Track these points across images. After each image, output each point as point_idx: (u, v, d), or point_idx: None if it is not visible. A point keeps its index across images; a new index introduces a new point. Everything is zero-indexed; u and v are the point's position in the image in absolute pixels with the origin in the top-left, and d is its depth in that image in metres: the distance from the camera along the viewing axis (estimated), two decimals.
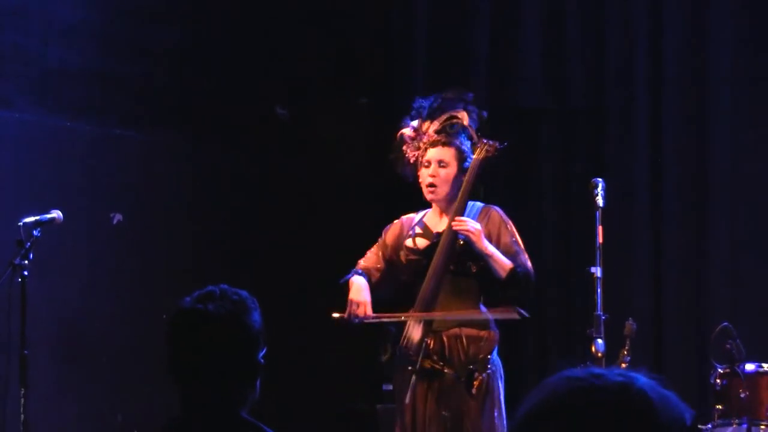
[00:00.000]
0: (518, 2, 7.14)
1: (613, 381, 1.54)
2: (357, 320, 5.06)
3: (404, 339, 5.06)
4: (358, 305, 5.06)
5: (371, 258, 5.29)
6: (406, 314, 5.09)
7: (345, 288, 5.18)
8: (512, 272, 5.01)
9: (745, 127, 6.70)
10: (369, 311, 5.06)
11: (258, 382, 2.66)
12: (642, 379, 1.55)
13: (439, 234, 5.15)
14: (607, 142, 6.95)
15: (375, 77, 7.46)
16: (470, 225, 5.02)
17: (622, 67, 6.93)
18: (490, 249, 5.02)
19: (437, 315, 5.05)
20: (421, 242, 5.19)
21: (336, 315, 5.08)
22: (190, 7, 6.99)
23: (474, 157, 5.14)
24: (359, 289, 5.11)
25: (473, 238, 5.00)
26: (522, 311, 4.93)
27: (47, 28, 6.49)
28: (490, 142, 5.15)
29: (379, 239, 5.34)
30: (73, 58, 6.56)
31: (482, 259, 5.03)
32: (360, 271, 5.22)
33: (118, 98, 6.75)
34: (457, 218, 5.05)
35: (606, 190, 5.17)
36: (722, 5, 6.72)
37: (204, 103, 7.05)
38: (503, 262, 5.02)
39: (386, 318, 5.09)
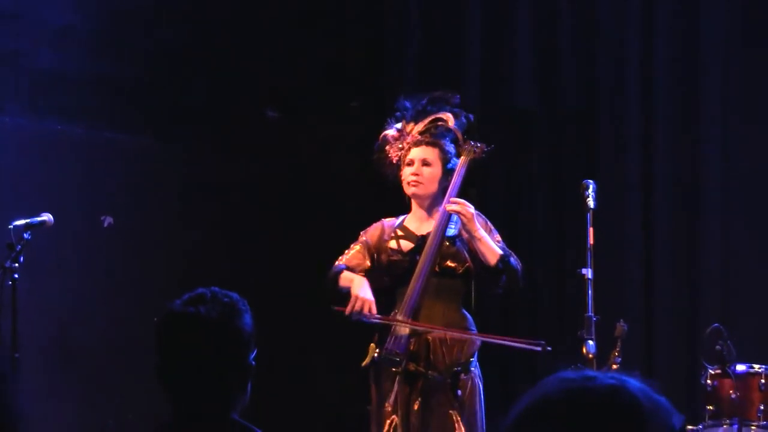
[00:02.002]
0: (511, 4, 7.14)
1: (606, 384, 1.56)
2: (356, 317, 5.01)
3: (390, 341, 5.02)
4: (363, 303, 4.99)
5: (356, 256, 5.23)
6: (409, 321, 5.01)
7: (333, 283, 5.14)
8: (502, 258, 5.03)
9: (736, 128, 6.70)
10: (374, 310, 5.01)
11: (249, 385, 2.66)
12: (634, 383, 1.56)
13: (423, 237, 5.15)
14: (598, 144, 6.95)
15: (367, 79, 7.46)
16: (467, 206, 5.03)
17: (613, 68, 6.93)
18: (481, 232, 5.04)
19: (437, 329, 5.01)
20: (405, 244, 5.18)
21: (337, 308, 5.02)
22: (182, 10, 6.98)
23: (461, 159, 5.14)
24: (364, 286, 5.05)
25: (465, 219, 5.01)
26: (546, 345, 4.88)
27: (38, 32, 6.49)
28: (477, 144, 5.16)
29: (359, 239, 5.29)
30: (64, 62, 6.55)
31: (471, 243, 5.04)
32: (346, 267, 5.17)
33: (109, 101, 6.74)
34: (452, 199, 5.05)
35: (597, 191, 5.17)
36: (714, 6, 6.72)
37: (196, 105, 7.04)
38: (494, 249, 5.04)
39: (392, 322, 5.03)
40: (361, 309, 4.99)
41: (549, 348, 4.85)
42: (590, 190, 5.14)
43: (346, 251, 5.28)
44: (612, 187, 6.52)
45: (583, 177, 5.37)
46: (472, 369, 5.07)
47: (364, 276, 5.18)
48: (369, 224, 5.37)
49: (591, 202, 5.12)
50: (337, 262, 5.24)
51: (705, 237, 6.67)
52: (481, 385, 5.11)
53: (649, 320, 6.70)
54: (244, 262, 6.91)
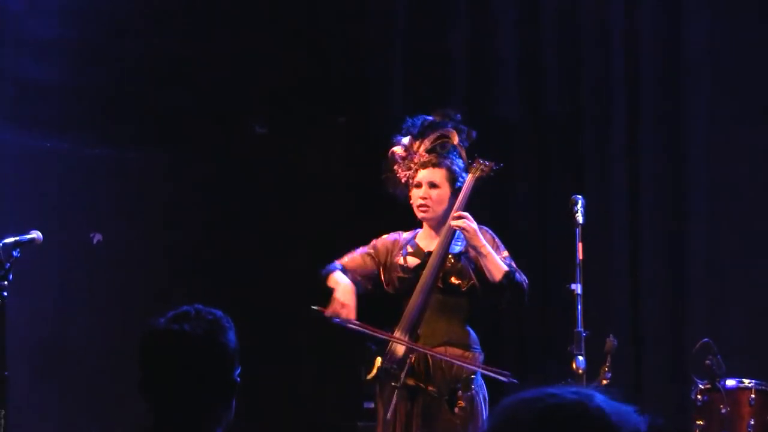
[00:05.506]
0: (495, 13, 7.14)
1: (570, 399, 1.56)
2: (338, 321, 5.01)
3: (387, 354, 5.01)
4: (343, 306, 5.01)
5: (357, 260, 5.24)
6: (390, 335, 5.02)
7: (322, 281, 5.13)
8: (507, 275, 5.02)
9: (724, 138, 6.71)
10: (353, 315, 5.01)
11: (233, 402, 2.65)
12: (598, 396, 1.56)
13: (430, 253, 5.14)
14: (584, 155, 6.95)
15: (352, 91, 7.45)
16: (470, 221, 5.03)
17: (598, 78, 6.93)
18: (487, 248, 5.03)
19: (421, 347, 5.00)
20: (412, 261, 5.17)
21: (317, 308, 5.02)
22: (168, 24, 6.98)
23: (469, 176, 5.14)
24: (347, 291, 5.06)
25: (468, 234, 5.01)
26: (512, 377, 4.90)
27: (21, 45, 6.48)
28: (486, 162, 5.16)
29: (369, 245, 5.29)
30: (49, 75, 6.55)
31: (478, 259, 5.03)
32: (341, 268, 5.17)
33: (95, 115, 6.74)
34: (457, 213, 5.04)
35: (585, 206, 5.17)
36: (697, 14, 6.74)
37: (182, 120, 7.04)
38: (499, 265, 5.03)
39: (368, 330, 5.02)
40: (340, 312, 5.00)
41: (515, 380, 4.87)
42: (579, 206, 5.14)
43: (350, 252, 5.28)
44: (598, 198, 6.53)
45: (569, 188, 5.38)
46: (474, 387, 5.02)
47: (361, 279, 5.18)
48: (352, 237, 5.36)
49: (580, 218, 5.12)
50: (336, 261, 5.23)
51: (694, 250, 6.67)
52: (484, 405, 5.04)
53: (639, 335, 6.69)
54: (229, 276, 6.90)
